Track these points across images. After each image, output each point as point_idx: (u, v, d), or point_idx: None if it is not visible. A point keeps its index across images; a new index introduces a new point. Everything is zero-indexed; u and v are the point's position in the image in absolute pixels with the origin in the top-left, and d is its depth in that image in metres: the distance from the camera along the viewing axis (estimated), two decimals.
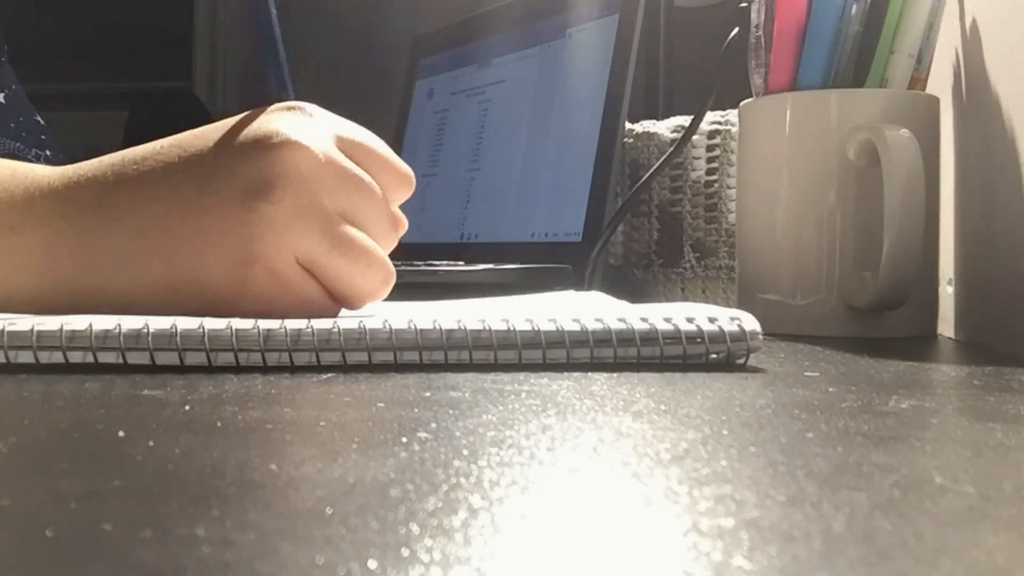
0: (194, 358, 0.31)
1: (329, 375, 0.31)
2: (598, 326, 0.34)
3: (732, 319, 0.35)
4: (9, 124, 0.83)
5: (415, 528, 0.14)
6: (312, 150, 0.37)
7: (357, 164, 0.39)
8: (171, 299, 0.37)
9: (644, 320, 0.34)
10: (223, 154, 0.38)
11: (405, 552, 0.13)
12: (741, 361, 0.35)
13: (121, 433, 0.22)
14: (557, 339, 0.33)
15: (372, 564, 0.13)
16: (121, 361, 0.31)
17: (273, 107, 0.41)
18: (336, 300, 0.38)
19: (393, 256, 0.40)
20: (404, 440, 0.21)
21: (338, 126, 0.40)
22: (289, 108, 0.40)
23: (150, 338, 0.31)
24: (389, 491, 0.17)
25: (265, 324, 0.32)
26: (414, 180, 0.42)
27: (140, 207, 0.37)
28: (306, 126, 0.38)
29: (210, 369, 0.31)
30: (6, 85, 0.83)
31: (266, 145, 0.37)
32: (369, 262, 0.38)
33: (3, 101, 0.82)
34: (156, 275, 0.37)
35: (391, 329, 0.33)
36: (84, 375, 0.30)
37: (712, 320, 0.35)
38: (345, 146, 0.39)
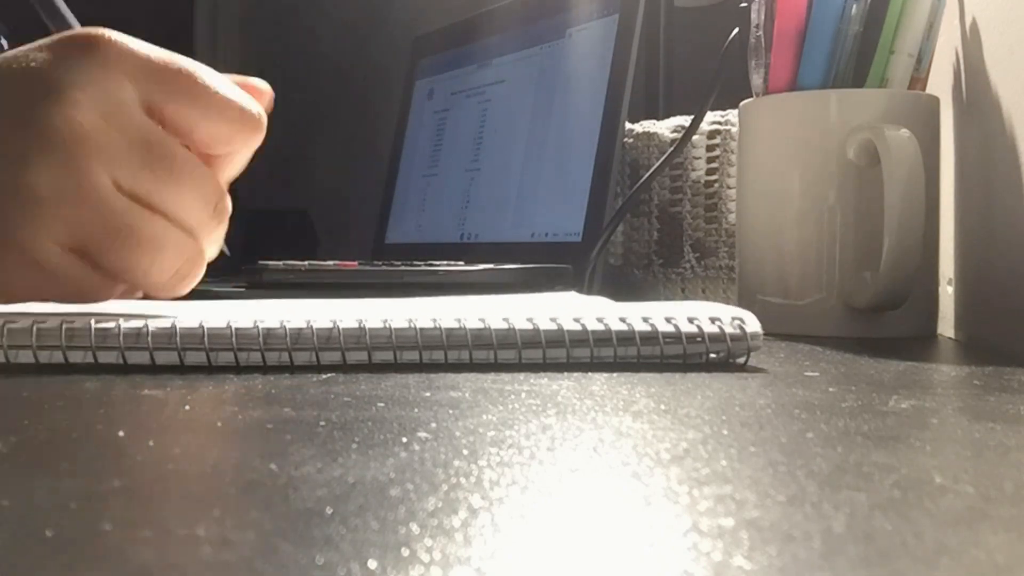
0: (194, 358, 0.31)
1: (329, 375, 0.31)
2: (598, 326, 0.34)
3: (734, 319, 0.35)
4: None
5: (415, 528, 0.14)
6: (85, 109, 0.30)
7: (172, 115, 0.32)
8: None
9: (645, 320, 0.34)
10: None
11: (405, 552, 0.13)
12: (741, 361, 0.35)
13: (121, 433, 0.22)
14: (557, 339, 0.33)
15: (372, 564, 0.13)
16: (121, 361, 0.31)
17: (63, 38, 0.32)
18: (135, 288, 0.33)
19: (394, 256, 0.39)
20: (404, 440, 0.21)
21: (141, 66, 0.32)
22: (78, 43, 0.32)
23: (150, 338, 0.31)
24: (389, 491, 0.17)
25: (265, 324, 0.32)
26: (262, 120, 0.34)
27: None
28: (91, 73, 0.31)
29: (210, 369, 0.31)
30: None
31: (31, 101, 0.30)
32: (157, 250, 0.31)
33: None
34: None
35: (391, 329, 0.33)
36: (84, 375, 0.30)
37: (713, 320, 0.35)
38: (148, 88, 0.32)
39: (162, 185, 0.32)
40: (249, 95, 0.34)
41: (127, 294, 0.34)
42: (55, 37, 0.32)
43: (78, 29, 0.33)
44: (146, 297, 0.34)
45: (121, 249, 0.31)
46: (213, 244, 0.35)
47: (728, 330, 0.34)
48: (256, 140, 0.35)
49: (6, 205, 0.30)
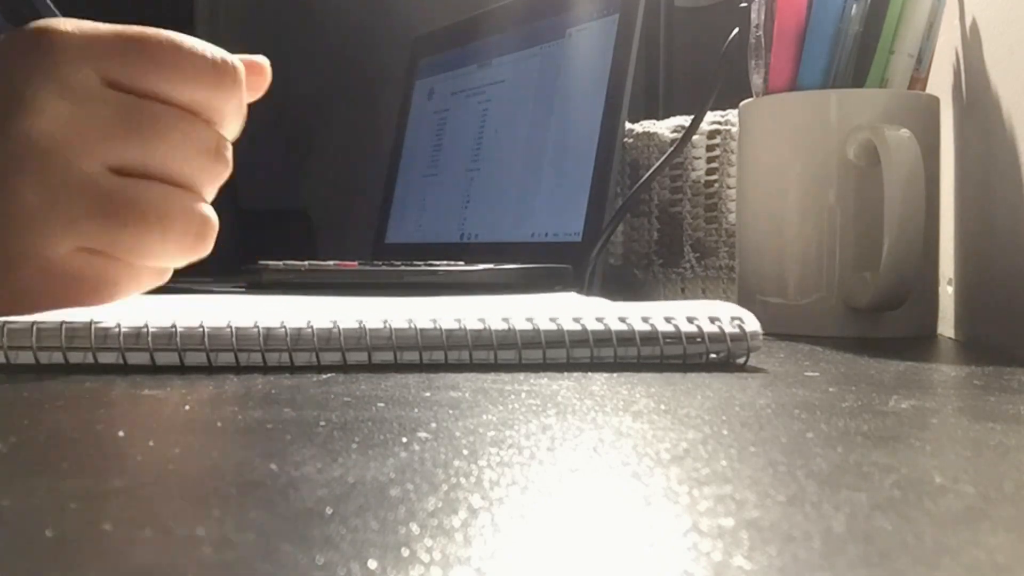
0: (194, 358, 0.31)
1: (329, 375, 0.31)
2: (598, 326, 0.34)
3: (733, 319, 0.35)
4: None
5: (415, 528, 0.14)
6: (51, 109, 0.29)
7: (143, 84, 0.31)
8: None
9: (645, 320, 0.34)
10: None
11: (405, 552, 0.13)
12: (741, 361, 0.35)
13: (121, 433, 0.22)
14: (557, 339, 0.33)
15: (372, 564, 0.13)
16: (121, 362, 0.31)
17: (9, 40, 0.31)
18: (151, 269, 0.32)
19: (394, 256, 0.39)
20: (404, 440, 0.21)
21: (95, 46, 0.31)
22: (26, 41, 0.31)
23: (150, 338, 0.31)
24: (389, 491, 0.17)
25: (265, 323, 0.32)
26: (239, 70, 0.32)
27: None
28: (46, 70, 0.30)
29: (210, 369, 0.31)
30: None
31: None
32: (165, 225, 0.31)
33: None
34: None
35: (391, 329, 0.33)
36: (84, 375, 0.30)
37: (713, 320, 0.35)
38: (114, 69, 0.31)
39: (151, 148, 0.31)
40: (224, 51, 0.33)
41: (155, 278, 0.33)
42: (13, 38, 0.31)
43: (25, 27, 0.32)
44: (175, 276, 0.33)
45: (128, 227, 0.31)
46: (213, 192, 0.33)
47: (728, 330, 0.34)
48: (237, 90, 0.33)
49: (7, 224, 0.30)
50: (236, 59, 0.33)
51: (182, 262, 0.33)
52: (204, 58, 0.32)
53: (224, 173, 0.33)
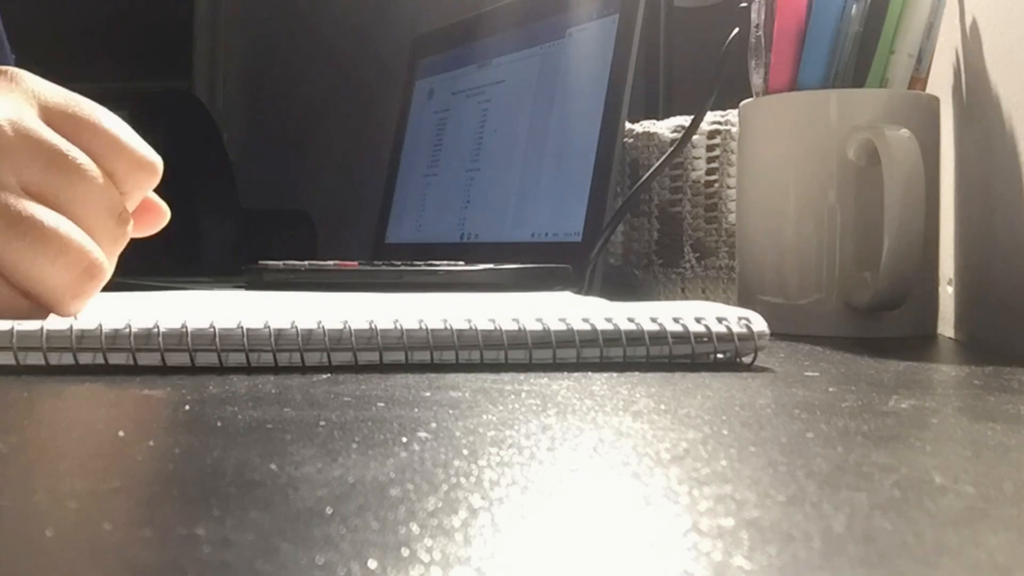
0: (205, 359, 0.31)
1: (329, 375, 0.31)
2: (607, 326, 0.34)
3: (740, 319, 0.35)
4: None
5: (415, 528, 0.14)
6: None
7: (78, 136, 0.34)
8: None
9: (653, 320, 0.34)
10: None
11: (405, 552, 0.13)
12: (748, 360, 0.35)
13: (121, 433, 0.22)
14: (557, 339, 0.33)
15: (372, 564, 0.13)
16: (131, 363, 0.31)
17: None
18: (30, 296, 0.32)
19: (394, 256, 0.39)
20: (404, 440, 0.21)
21: (49, 97, 0.34)
22: None
23: (160, 339, 0.31)
24: (389, 491, 0.17)
25: (276, 324, 0.32)
26: (159, 166, 0.36)
27: None
28: (3, 90, 0.33)
29: (212, 369, 0.31)
30: None
31: None
32: (61, 249, 0.32)
33: None
34: None
35: (402, 329, 0.33)
36: (86, 374, 0.30)
37: (720, 320, 0.35)
38: (56, 119, 0.33)
39: (68, 185, 0.32)
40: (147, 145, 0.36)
41: (29, 312, 0.33)
42: None
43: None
44: (49, 308, 0.33)
45: (25, 238, 0.31)
46: (113, 257, 0.35)
47: (736, 329, 0.34)
48: (151, 184, 0.36)
49: None
50: (158, 156, 0.35)
51: (62, 296, 0.33)
52: (135, 143, 0.35)
53: (123, 240, 0.35)
